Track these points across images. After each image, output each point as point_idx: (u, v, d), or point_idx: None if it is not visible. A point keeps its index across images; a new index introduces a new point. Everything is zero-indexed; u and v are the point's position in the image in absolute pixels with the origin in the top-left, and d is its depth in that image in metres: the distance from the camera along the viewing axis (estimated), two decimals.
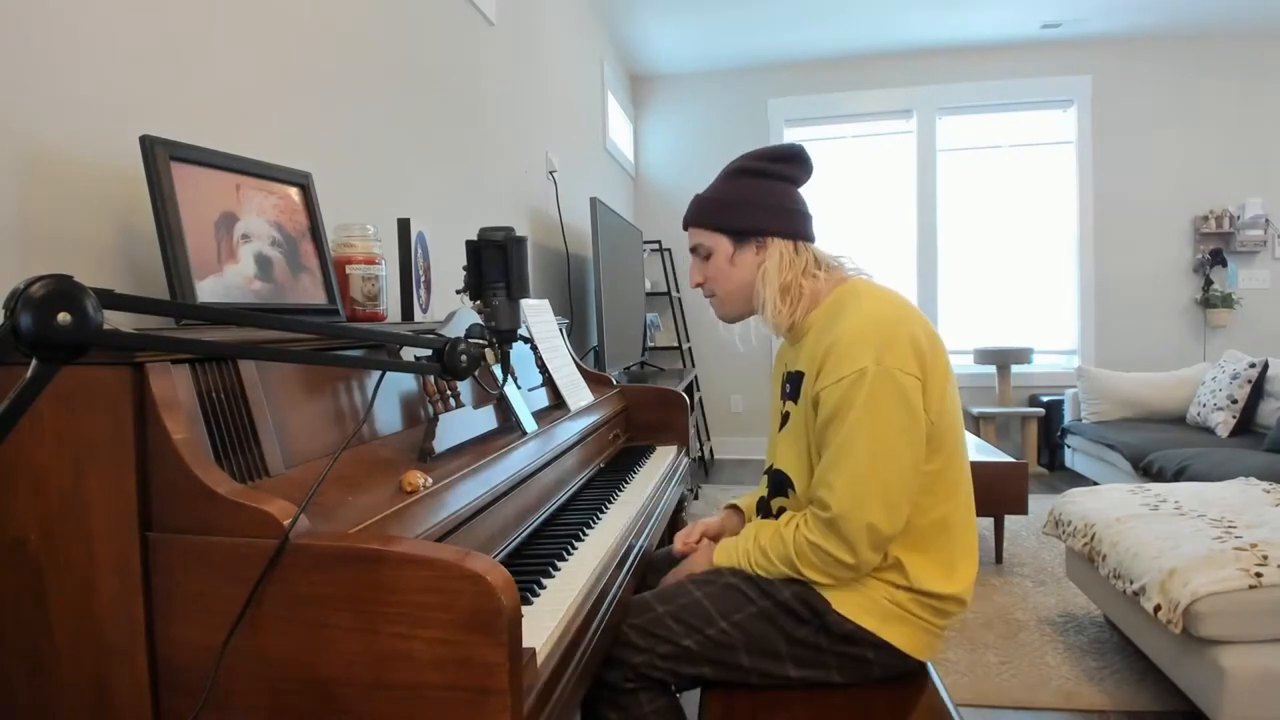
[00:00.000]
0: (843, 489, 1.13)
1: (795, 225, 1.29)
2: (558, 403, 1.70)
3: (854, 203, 5.09)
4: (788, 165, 1.31)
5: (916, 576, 1.18)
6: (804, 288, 1.28)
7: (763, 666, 1.19)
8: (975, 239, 5.02)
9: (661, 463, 1.83)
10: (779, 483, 1.32)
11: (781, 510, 1.32)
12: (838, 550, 1.13)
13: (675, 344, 4.97)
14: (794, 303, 1.28)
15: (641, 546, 1.34)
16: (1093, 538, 2.17)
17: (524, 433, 1.34)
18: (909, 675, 1.22)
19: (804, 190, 1.34)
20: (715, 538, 1.40)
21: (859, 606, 1.18)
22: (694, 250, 1.34)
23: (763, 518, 1.36)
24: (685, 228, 1.35)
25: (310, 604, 0.69)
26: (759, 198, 1.29)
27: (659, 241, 5.01)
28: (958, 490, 1.22)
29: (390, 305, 1.49)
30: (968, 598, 1.23)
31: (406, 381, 1.17)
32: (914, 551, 1.19)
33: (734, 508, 1.50)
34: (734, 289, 1.32)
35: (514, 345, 1.23)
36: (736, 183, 1.31)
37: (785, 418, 1.32)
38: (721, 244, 1.30)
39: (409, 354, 1.11)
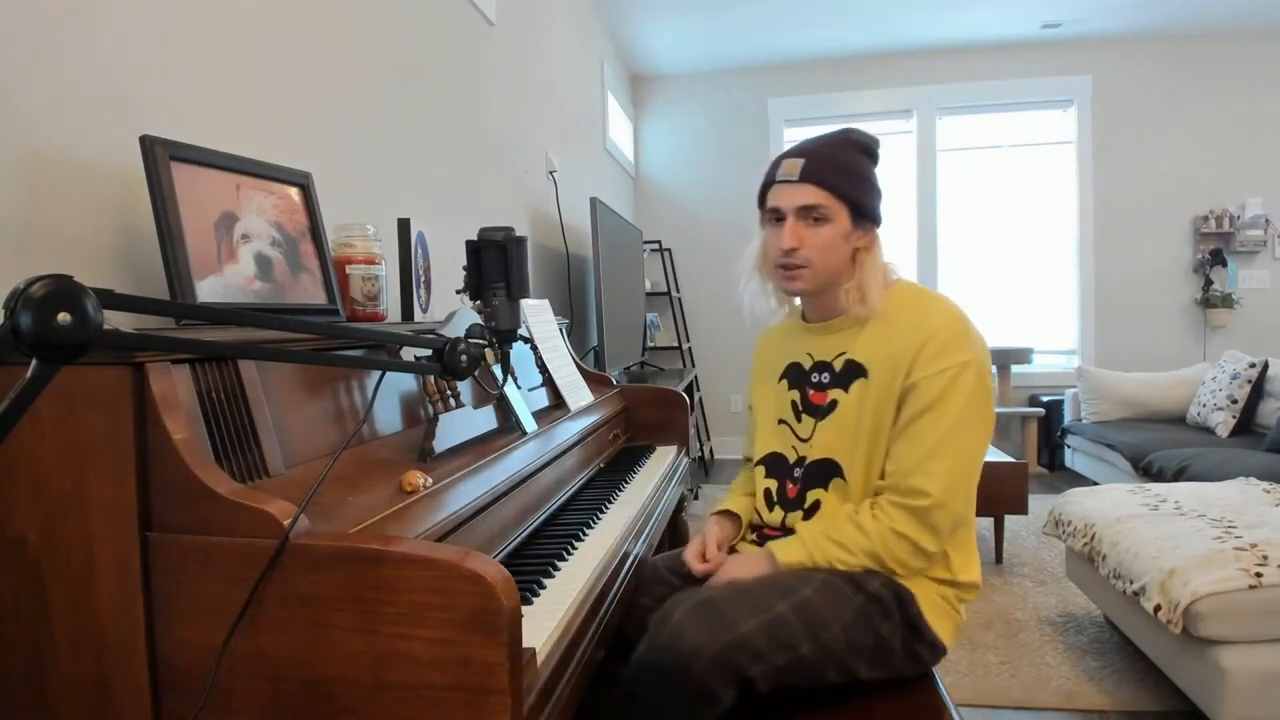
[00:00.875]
0: (944, 478, 1.13)
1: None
2: (558, 403, 1.70)
3: None
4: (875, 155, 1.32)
5: (956, 567, 1.22)
6: (885, 276, 1.28)
7: (848, 672, 1.13)
8: (975, 239, 5.02)
9: (661, 463, 1.83)
10: (821, 474, 1.26)
11: (817, 503, 1.26)
12: (922, 538, 1.14)
13: (675, 344, 4.97)
14: (880, 291, 1.26)
15: (641, 547, 1.34)
16: (1093, 538, 2.17)
17: (524, 433, 1.34)
18: (908, 677, 1.22)
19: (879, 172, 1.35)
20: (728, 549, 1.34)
21: (926, 601, 1.20)
22: (803, 209, 1.21)
23: (783, 510, 1.30)
24: (805, 179, 1.21)
25: (310, 604, 0.69)
26: (876, 183, 1.27)
27: (659, 241, 5.00)
28: (977, 474, 1.25)
29: (390, 305, 1.49)
30: (979, 577, 1.27)
31: (406, 381, 1.17)
32: (953, 544, 1.22)
33: (724, 514, 1.38)
34: (833, 266, 1.24)
35: (514, 345, 1.23)
36: (861, 158, 1.26)
37: (831, 406, 1.26)
38: (843, 218, 1.22)
39: (409, 354, 1.11)
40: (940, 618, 1.21)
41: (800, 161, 1.22)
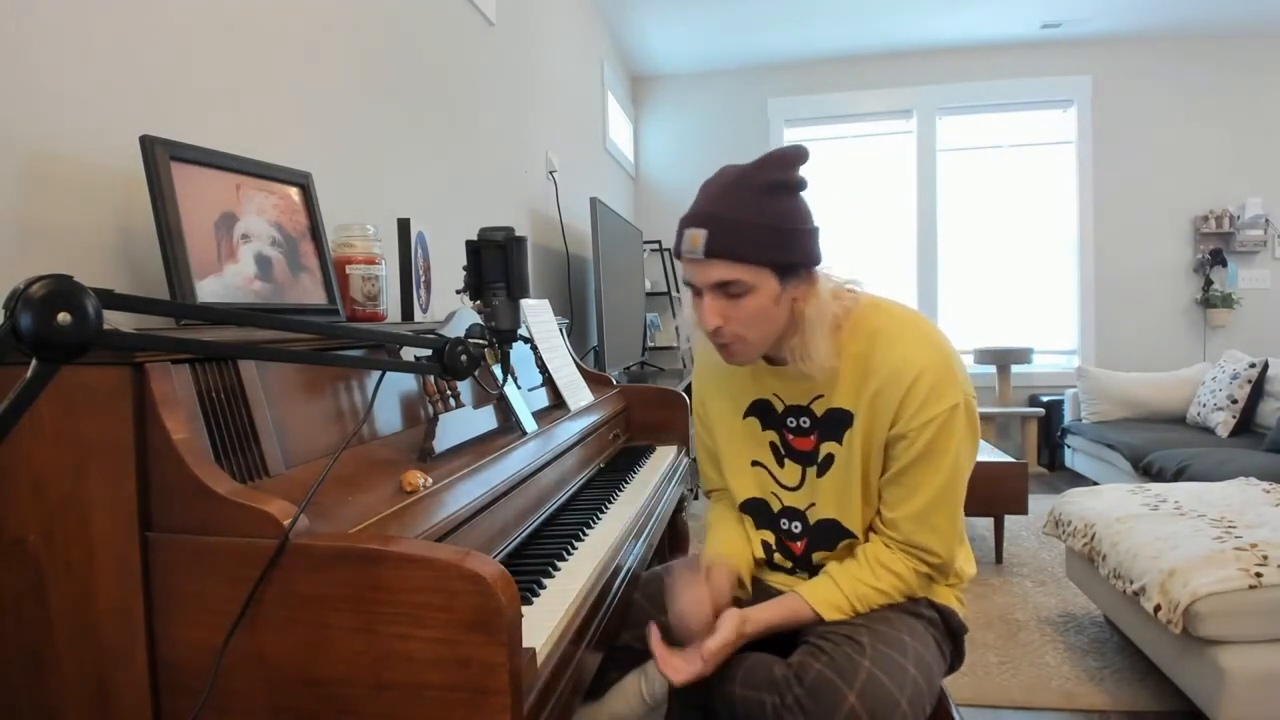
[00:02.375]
0: (947, 531, 1.14)
1: (820, 246, 1.11)
2: (558, 403, 1.70)
3: (854, 203, 5.09)
4: (801, 171, 1.11)
5: (960, 569, 1.23)
6: (837, 315, 1.12)
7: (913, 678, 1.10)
8: (975, 239, 5.02)
9: (661, 463, 1.83)
10: (830, 536, 1.19)
11: (822, 565, 1.21)
12: (939, 578, 1.20)
13: (675, 344, 4.97)
14: (833, 337, 1.12)
15: (642, 547, 1.34)
16: (1093, 538, 2.17)
17: (524, 433, 1.34)
18: None
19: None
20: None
21: (949, 604, 1.23)
22: (717, 286, 1.06)
23: (794, 565, 1.25)
24: (710, 256, 1.04)
25: (310, 604, 0.69)
26: (805, 221, 1.08)
27: (659, 241, 5.00)
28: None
29: (390, 305, 1.49)
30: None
31: (406, 381, 1.17)
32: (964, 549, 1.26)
33: (714, 563, 1.21)
34: (768, 334, 1.10)
35: (514, 345, 1.23)
36: (774, 200, 1.05)
37: (828, 460, 1.17)
38: (768, 283, 1.05)
39: (409, 354, 1.11)
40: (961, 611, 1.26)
41: (703, 234, 1.05)
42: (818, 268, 1.11)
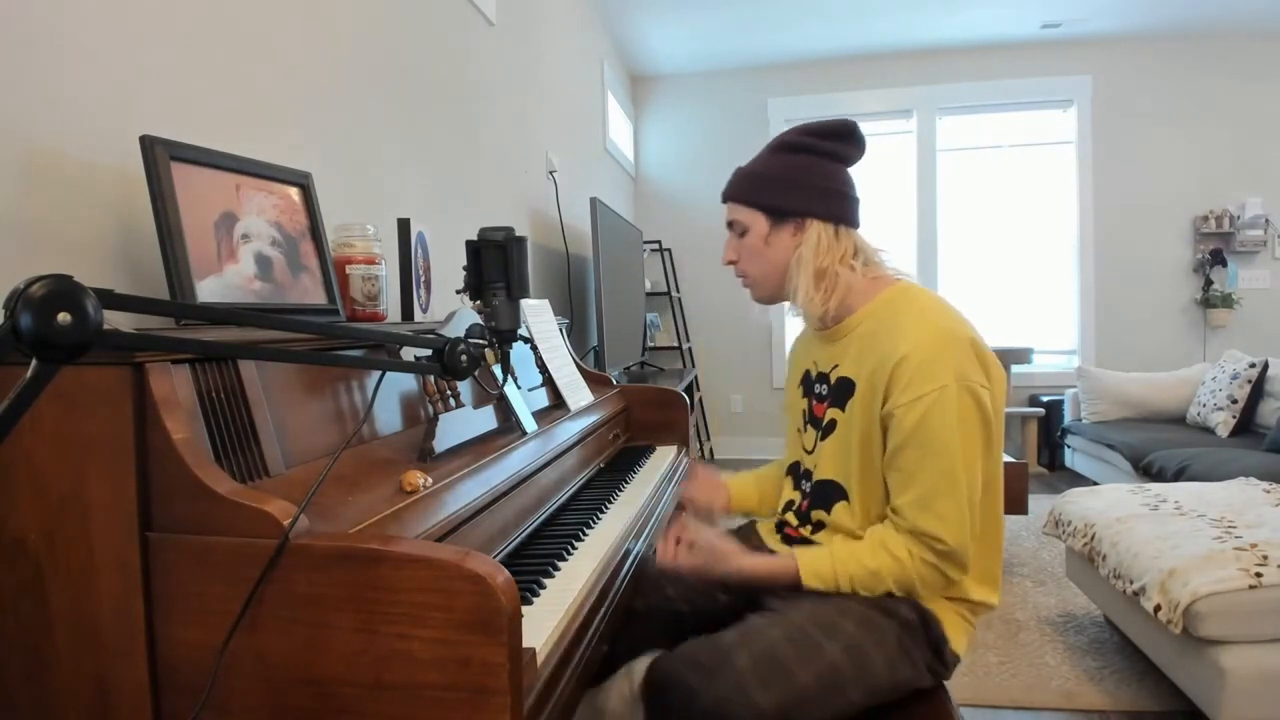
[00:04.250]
0: (955, 518, 1.09)
1: (838, 208, 1.21)
2: (558, 403, 1.70)
3: None
4: (838, 142, 1.23)
5: (968, 587, 1.19)
6: (839, 276, 1.20)
7: (880, 698, 1.12)
8: (975, 239, 5.02)
9: (661, 463, 1.83)
10: (825, 495, 1.24)
11: (820, 523, 1.25)
12: (951, 570, 1.11)
13: (675, 344, 4.97)
14: (828, 291, 1.20)
15: (642, 547, 1.34)
16: (1093, 538, 2.17)
17: (524, 433, 1.34)
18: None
19: (854, 171, 1.27)
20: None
21: (946, 621, 1.18)
22: (730, 225, 1.27)
23: (798, 522, 1.30)
24: (724, 200, 1.27)
25: (310, 604, 0.69)
26: (803, 176, 1.21)
27: (659, 241, 5.01)
28: (1000, 494, 1.20)
29: (390, 305, 1.49)
30: (995, 603, 1.23)
31: (406, 381, 1.17)
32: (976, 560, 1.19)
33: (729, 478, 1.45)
34: (767, 271, 1.24)
35: (514, 345, 1.23)
36: (781, 158, 1.23)
37: (831, 425, 1.23)
38: (758, 222, 1.22)
39: (409, 354, 1.11)
40: (958, 634, 1.20)
41: (726, 185, 1.28)
42: (834, 228, 1.21)
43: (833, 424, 1.23)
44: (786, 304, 1.29)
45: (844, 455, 1.21)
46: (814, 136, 1.23)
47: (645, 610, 1.28)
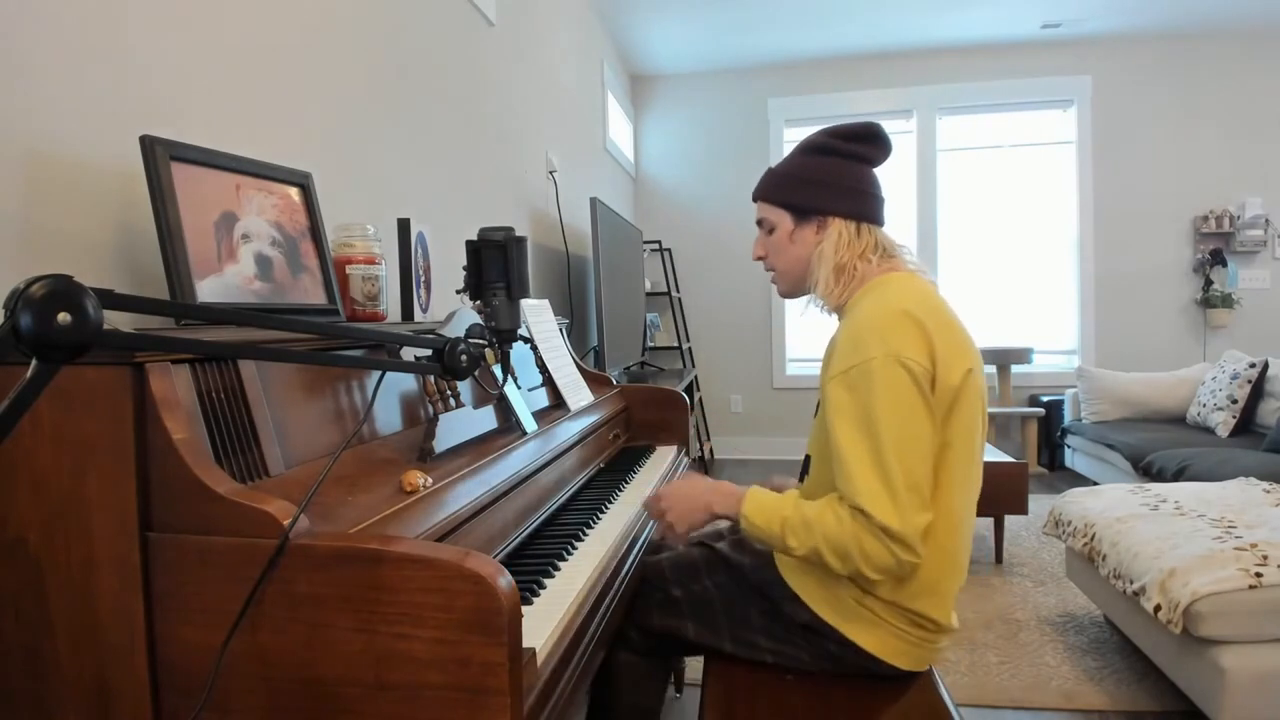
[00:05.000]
0: (884, 495, 1.05)
1: (861, 206, 1.27)
2: (558, 403, 1.70)
3: None
4: (863, 144, 1.29)
5: (884, 587, 1.15)
6: (858, 270, 1.25)
7: (738, 633, 1.27)
8: (975, 239, 5.02)
9: (661, 463, 1.83)
10: (805, 468, 1.32)
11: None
12: (899, 549, 1.05)
13: (675, 344, 4.97)
14: (846, 284, 1.25)
15: (641, 547, 1.34)
16: (1093, 538, 2.17)
17: (524, 433, 1.34)
18: (906, 675, 1.22)
19: (880, 172, 1.31)
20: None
21: (823, 600, 1.20)
22: (759, 223, 1.34)
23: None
24: (754, 199, 1.36)
25: (310, 604, 0.69)
26: (828, 176, 1.27)
27: (659, 241, 5.01)
28: (952, 511, 1.14)
29: (390, 305, 1.49)
30: (946, 621, 1.18)
31: (406, 381, 1.17)
32: (919, 586, 1.16)
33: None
34: (791, 266, 1.31)
35: (514, 345, 1.23)
36: (808, 159, 1.29)
37: (817, 406, 1.29)
38: (784, 220, 1.29)
39: (409, 354, 1.11)
40: (858, 625, 1.18)
41: (757, 184, 1.35)
42: (856, 225, 1.26)
43: (818, 404, 1.28)
44: (803, 299, 1.36)
45: (821, 430, 1.23)
46: (838, 138, 1.28)
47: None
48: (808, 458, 1.31)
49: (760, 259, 1.36)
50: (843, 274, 1.25)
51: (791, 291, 1.36)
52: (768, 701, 1.17)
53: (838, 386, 1.12)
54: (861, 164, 1.28)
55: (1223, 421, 3.76)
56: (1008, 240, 4.98)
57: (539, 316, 1.82)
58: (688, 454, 2.04)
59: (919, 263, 1.31)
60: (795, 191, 1.28)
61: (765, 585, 1.26)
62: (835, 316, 1.33)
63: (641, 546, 1.33)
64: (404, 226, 1.53)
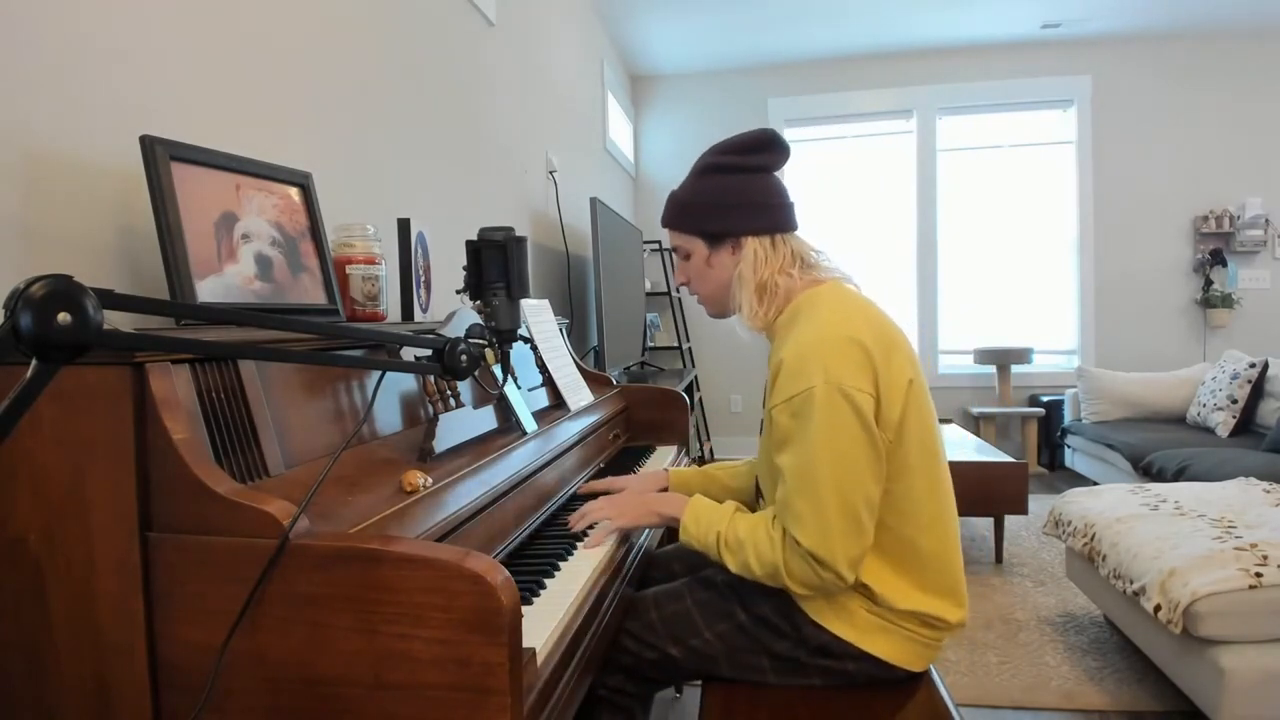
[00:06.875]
0: (811, 521, 1.06)
1: (771, 219, 1.23)
2: (558, 403, 1.70)
3: (854, 203, 5.09)
4: (759, 155, 1.25)
5: (887, 597, 1.15)
6: (780, 286, 1.22)
7: (744, 677, 1.22)
8: (975, 239, 5.02)
9: (661, 463, 1.83)
10: (756, 488, 1.32)
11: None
12: (823, 573, 1.08)
13: (675, 344, 4.97)
14: (770, 302, 1.23)
15: (641, 547, 1.34)
16: (1093, 538, 2.17)
17: (524, 433, 1.34)
18: (907, 676, 1.22)
19: (784, 173, 1.28)
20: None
21: (836, 617, 1.16)
22: (674, 250, 1.32)
23: None
24: (663, 227, 1.32)
25: (310, 604, 0.69)
26: (731, 196, 1.23)
27: (659, 241, 5.00)
28: (919, 514, 1.15)
29: (390, 305, 1.49)
30: (953, 619, 1.18)
31: (406, 381, 1.17)
32: (884, 571, 1.15)
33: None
34: (713, 290, 1.29)
35: (514, 345, 1.23)
36: (706, 181, 1.26)
37: (761, 425, 1.27)
38: (697, 246, 1.27)
39: (409, 354, 1.11)
40: (874, 635, 1.17)
41: (663, 211, 1.32)
42: (770, 239, 1.24)
43: (761, 424, 1.27)
44: (733, 318, 1.32)
45: (763, 454, 1.24)
46: (734, 154, 1.25)
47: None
48: (756, 480, 1.31)
49: (683, 284, 1.33)
50: (765, 292, 1.23)
51: (720, 314, 1.33)
52: (768, 705, 1.17)
53: (782, 414, 1.11)
54: (762, 174, 1.25)
55: (1223, 421, 3.76)
56: (1008, 240, 4.98)
57: (539, 316, 1.82)
58: (688, 454, 2.04)
59: (839, 268, 1.27)
60: (702, 217, 1.25)
61: (782, 616, 1.19)
62: (764, 337, 1.29)
63: (642, 546, 1.33)
64: (404, 226, 1.54)
